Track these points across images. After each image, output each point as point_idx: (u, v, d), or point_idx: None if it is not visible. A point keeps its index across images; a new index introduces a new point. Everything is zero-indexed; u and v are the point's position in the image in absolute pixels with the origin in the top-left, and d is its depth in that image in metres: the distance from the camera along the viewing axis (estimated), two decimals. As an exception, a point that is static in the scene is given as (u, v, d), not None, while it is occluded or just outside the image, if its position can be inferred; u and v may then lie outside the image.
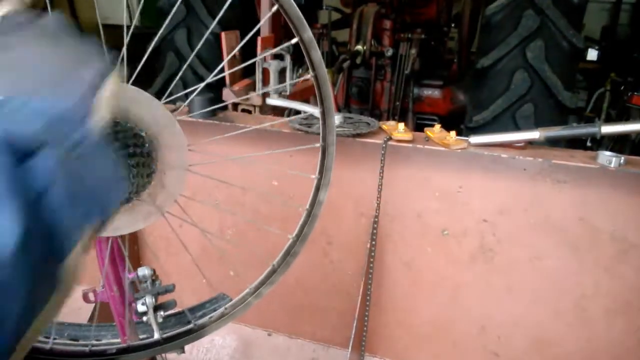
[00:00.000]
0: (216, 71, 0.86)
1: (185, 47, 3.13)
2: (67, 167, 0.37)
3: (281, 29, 2.93)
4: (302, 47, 0.75)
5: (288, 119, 1.86)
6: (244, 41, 0.88)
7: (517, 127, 2.69)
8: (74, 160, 0.38)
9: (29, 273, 0.33)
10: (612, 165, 1.44)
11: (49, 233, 0.36)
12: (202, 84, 0.86)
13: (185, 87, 2.97)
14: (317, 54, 0.76)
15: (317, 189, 0.85)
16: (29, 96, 0.39)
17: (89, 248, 0.40)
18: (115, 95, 0.45)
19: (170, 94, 0.88)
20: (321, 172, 0.82)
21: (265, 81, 1.94)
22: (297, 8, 0.71)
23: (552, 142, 1.62)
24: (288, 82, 1.85)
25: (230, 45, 1.87)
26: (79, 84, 0.44)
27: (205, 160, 0.97)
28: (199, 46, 1.30)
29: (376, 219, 1.73)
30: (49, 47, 0.45)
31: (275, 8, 0.70)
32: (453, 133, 1.62)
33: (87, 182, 0.40)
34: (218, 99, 1.81)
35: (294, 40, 0.76)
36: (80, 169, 0.39)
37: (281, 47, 1.06)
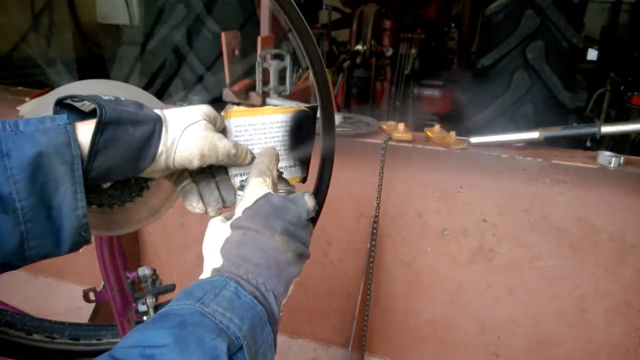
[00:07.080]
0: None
1: (184, 47, 3.12)
2: None
3: (282, 28, 2.92)
4: (301, 47, 0.75)
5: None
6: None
7: (517, 127, 2.69)
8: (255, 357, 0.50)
9: None
10: (612, 165, 1.44)
11: None
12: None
13: (184, 87, 2.96)
14: (317, 54, 0.76)
15: (317, 189, 0.85)
16: (245, 279, 0.54)
17: None
18: None
19: (170, 94, 0.88)
20: (321, 172, 0.82)
21: (265, 81, 1.94)
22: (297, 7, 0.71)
23: (552, 142, 1.62)
24: (288, 81, 1.85)
25: (230, 46, 1.87)
26: (285, 279, 0.59)
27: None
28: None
29: (376, 219, 1.73)
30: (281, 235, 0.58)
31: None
32: (453, 133, 1.62)
33: None
34: (218, 99, 1.80)
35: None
36: None
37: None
